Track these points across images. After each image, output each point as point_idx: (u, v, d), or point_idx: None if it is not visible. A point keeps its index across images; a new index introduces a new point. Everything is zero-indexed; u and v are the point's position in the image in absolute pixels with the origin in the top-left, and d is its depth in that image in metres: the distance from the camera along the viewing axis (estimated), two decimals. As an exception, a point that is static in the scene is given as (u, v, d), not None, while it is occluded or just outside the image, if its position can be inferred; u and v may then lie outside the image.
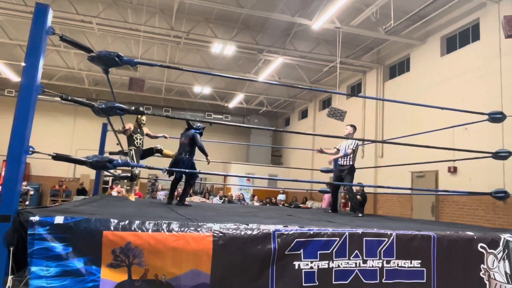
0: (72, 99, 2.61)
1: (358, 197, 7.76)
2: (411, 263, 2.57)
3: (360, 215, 5.57)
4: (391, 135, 11.75)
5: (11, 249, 2.00)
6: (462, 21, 10.42)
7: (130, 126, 6.06)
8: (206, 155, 5.61)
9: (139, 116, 6.09)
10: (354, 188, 7.60)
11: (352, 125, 6.24)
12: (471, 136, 8.91)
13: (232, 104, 19.73)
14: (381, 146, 13.22)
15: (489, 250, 2.74)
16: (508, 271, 2.72)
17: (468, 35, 10.46)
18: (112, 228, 2.11)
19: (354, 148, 5.90)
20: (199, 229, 2.24)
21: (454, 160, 6.12)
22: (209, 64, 15.29)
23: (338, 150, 6.17)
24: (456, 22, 10.60)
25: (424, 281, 2.57)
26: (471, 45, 10.19)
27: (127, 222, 2.16)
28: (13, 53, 14.92)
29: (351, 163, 5.92)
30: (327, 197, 10.45)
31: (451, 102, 9.77)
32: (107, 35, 13.20)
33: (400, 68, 13.22)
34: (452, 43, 11.03)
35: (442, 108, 4.42)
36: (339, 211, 6.86)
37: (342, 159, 6.00)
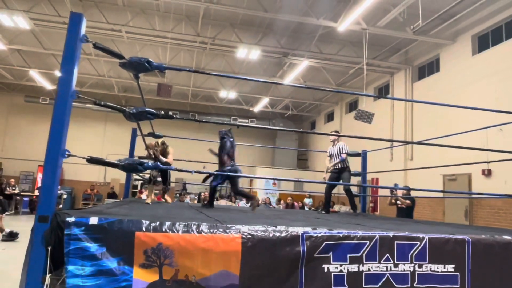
0: (105, 104, 2.70)
1: (408, 201, 7.67)
2: (444, 268, 2.49)
3: (358, 211, 6.11)
4: (421, 137, 11.45)
5: (49, 248, 2.08)
6: (494, 18, 10.07)
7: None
8: (229, 157, 5.52)
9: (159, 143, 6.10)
10: (401, 192, 7.77)
11: (336, 131, 6.87)
12: (506, 137, 8.57)
13: (257, 108, 19.79)
14: (411, 148, 12.91)
15: (527, 255, 2.63)
16: (548, 277, 2.60)
17: (501, 33, 10.09)
18: (144, 229, 2.15)
19: (347, 152, 6.29)
20: (228, 230, 2.25)
21: (488, 162, 5.90)
22: (235, 68, 15.43)
23: (330, 156, 6.54)
24: (488, 20, 10.26)
25: (458, 286, 2.48)
26: (505, 43, 9.83)
27: (158, 223, 2.20)
28: (47, 62, 15.56)
29: (346, 165, 6.26)
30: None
31: (484, 102, 9.44)
32: (135, 42, 13.57)
33: (429, 68, 12.90)
34: (484, 42, 10.67)
35: (474, 109, 4.27)
36: (366, 215, 6.74)
37: (339, 163, 6.33)
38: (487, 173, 9.65)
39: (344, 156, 6.21)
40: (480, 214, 9.84)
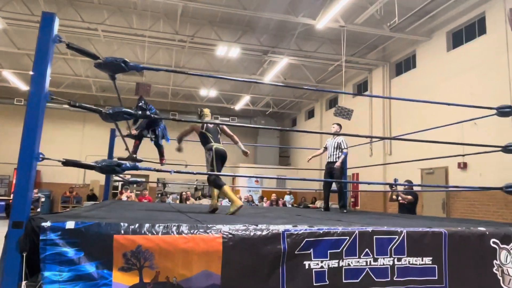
0: (80, 105, 2.64)
1: (410, 197, 7.23)
2: (422, 260, 2.55)
3: (345, 211, 5.98)
4: (399, 132, 11.67)
5: (24, 255, 2.03)
6: (468, 15, 10.33)
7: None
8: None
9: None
10: (402, 187, 7.54)
11: (338, 124, 6.62)
12: (480, 131, 8.82)
13: (238, 106, 19.76)
14: (389, 144, 13.15)
15: (501, 246, 2.71)
16: (521, 266, 2.69)
17: (474, 29, 10.36)
18: (122, 231, 2.12)
19: (347, 146, 6.26)
20: (208, 230, 2.25)
21: (464, 155, 6.05)
22: (215, 67, 15.35)
23: (326, 148, 6.52)
24: (461, 16, 10.51)
25: (436, 278, 2.54)
26: (478, 40, 10.10)
27: (137, 225, 2.17)
28: (21, 62, 15.13)
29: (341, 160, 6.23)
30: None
31: (460, 97, 9.69)
32: (113, 41, 13.33)
33: (406, 65, 13.14)
34: (458, 38, 10.94)
35: (449, 104, 4.38)
36: (352, 211, 6.82)
37: (332, 156, 6.32)
38: (463, 166, 9.91)
39: (346, 151, 6.20)
40: (456, 206, 10.11)
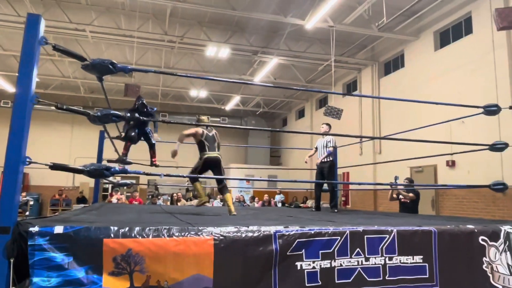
0: (67, 108, 2.60)
1: (411, 194, 6.99)
2: (413, 259, 2.57)
3: (335, 210, 6.00)
4: (389, 132, 11.77)
5: (12, 260, 1.99)
6: (455, 15, 10.46)
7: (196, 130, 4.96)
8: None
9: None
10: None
11: (327, 124, 6.59)
12: (468, 129, 8.93)
13: (228, 107, 19.73)
14: (379, 143, 13.24)
15: (490, 243, 2.75)
16: (510, 262, 2.72)
17: (461, 29, 10.49)
18: (112, 235, 2.10)
19: (334, 146, 6.27)
20: (199, 233, 2.23)
21: (452, 154, 6.13)
22: (204, 67, 15.30)
23: (316, 148, 6.56)
24: (448, 16, 10.64)
25: (427, 276, 2.56)
26: (465, 39, 10.22)
27: (127, 229, 2.15)
28: (7, 63, 14.89)
29: (331, 158, 6.26)
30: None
31: (448, 96, 9.81)
32: (101, 42, 13.19)
33: (394, 64, 13.25)
34: (445, 38, 11.06)
35: (437, 103, 4.43)
36: (343, 211, 6.85)
37: (322, 156, 6.32)
38: (451, 164, 10.03)
39: (331, 149, 6.20)
40: (446, 204, 10.22)
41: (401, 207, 7.22)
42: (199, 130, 4.88)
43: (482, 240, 2.74)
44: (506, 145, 3.76)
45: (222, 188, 4.87)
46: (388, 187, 7.36)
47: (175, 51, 13.79)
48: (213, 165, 4.86)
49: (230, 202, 4.73)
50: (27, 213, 14.09)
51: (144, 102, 6.43)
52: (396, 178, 6.63)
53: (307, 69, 15.45)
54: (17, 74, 2.29)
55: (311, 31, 11.80)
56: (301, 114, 20.47)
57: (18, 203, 2.21)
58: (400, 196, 7.13)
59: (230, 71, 15.47)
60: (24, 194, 14.41)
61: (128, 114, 6.02)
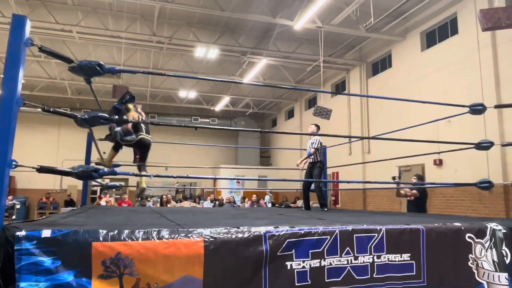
0: (54, 110, 2.57)
1: (414, 191, 6.99)
2: (401, 257, 2.59)
3: (325, 209, 6.03)
4: (377, 131, 11.88)
5: (-2, 266, 1.96)
6: (440, 16, 10.62)
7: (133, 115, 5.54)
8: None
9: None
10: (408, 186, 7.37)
11: (315, 124, 6.64)
12: (454, 128, 9.07)
13: (218, 107, 19.70)
14: (368, 142, 13.36)
15: (476, 240, 2.79)
16: (495, 259, 2.77)
17: (446, 29, 10.65)
18: (101, 238, 2.08)
19: (316, 147, 6.28)
20: (189, 235, 2.22)
21: (439, 153, 6.21)
22: (193, 68, 15.25)
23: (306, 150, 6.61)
24: (434, 17, 10.80)
25: (414, 273, 2.59)
26: (450, 39, 10.38)
27: (116, 232, 2.13)
28: (-8, 65, 14.64)
29: (318, 159, 6.29)
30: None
31: (434, 96, 9.94)
32: (88, 43, 13.06)
33: (382, 64, 13.39)
34: (431, 38, 11.22)
35: (424, 102, 4.48)
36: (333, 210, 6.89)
37: (310, 157, 6.38)
38: (439, 163, 10.17)
39: (311, 151, 6.26)
40: (434, 202, 10.34)
41: (407, 203, 7.38)
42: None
43: (469, 237, 2.79)
44: (491, 144, 3.82)
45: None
46: (377, 185, 7.46)
47: (164, 52, 13.73)
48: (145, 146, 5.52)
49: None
50: (14, 217, 13.87)
51: (132, 94, 6.33)
52: (400, 172, 6.54)
53: (296, 69, 15.52)
54: (2, 76, 2.26)
55: (299, 32, 11.86)
56: (290, 114, 20.54)
57: (4, 207, 2.17)
58: (405, 193, 7.26)
59: (219, 72, 15.45)
60: (10, 197, 14.18)
61: (120, 106, 5.85)
